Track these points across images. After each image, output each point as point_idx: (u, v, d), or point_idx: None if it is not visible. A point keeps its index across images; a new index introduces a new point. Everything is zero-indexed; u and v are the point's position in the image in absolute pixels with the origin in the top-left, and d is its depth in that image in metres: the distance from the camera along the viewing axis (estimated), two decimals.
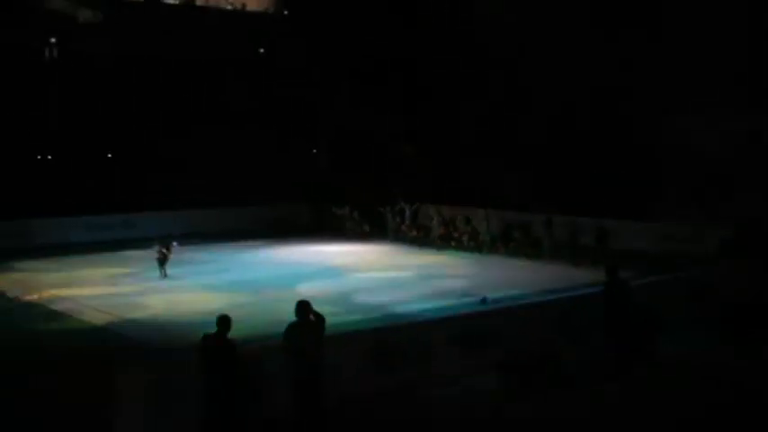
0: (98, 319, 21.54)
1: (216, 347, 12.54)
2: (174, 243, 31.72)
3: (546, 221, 31.25)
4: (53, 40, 40.79)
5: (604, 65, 36.18)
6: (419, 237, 35.54)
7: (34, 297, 24.35)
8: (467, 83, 42.67)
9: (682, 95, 33.69)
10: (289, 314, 13.21)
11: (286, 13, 48.00)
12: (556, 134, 38.41)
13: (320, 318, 13.14)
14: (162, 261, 27.95)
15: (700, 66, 33.24)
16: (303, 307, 13.07)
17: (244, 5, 48.04)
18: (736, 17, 32.46)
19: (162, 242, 28.55)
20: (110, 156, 41.13)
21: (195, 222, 37.95)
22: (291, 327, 13.00)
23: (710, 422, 14.13)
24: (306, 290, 23.86)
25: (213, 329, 12.71)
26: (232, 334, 12.74)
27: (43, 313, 22.43)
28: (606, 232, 30.55)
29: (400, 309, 21.87)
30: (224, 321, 12.69)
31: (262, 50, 46.14)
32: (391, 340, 15.70)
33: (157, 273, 27.85)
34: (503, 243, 32.28)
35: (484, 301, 22.12)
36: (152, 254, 28.23)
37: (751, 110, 31.92)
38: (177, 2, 45.93)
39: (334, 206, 39.64)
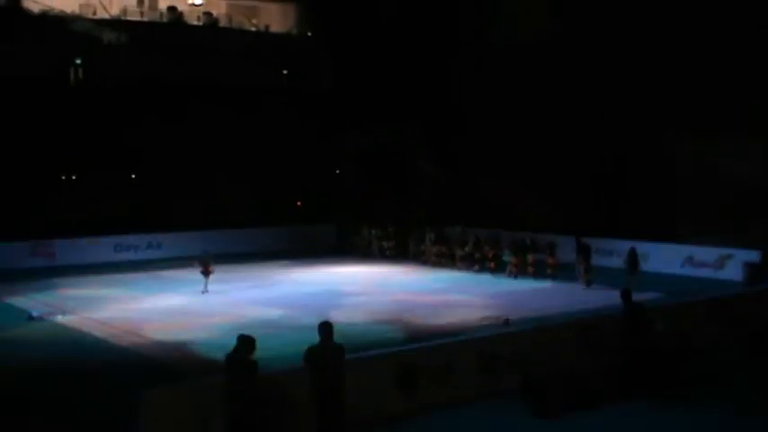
0: (124, 339, 21.64)
1: (238, 368, 12.57)
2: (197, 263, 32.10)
3: (578, 247, 30.79)
4: (78, 61, 41.24)
5: (638, 88, 36.16)
6: (443, 258, 35.40)
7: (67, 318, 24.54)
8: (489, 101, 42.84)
9: (711, 119, 33.67)
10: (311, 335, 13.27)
11: (309, 34, 48.33)
12: (585, 157, 38.39)
13: (340, 347, 13.15)
14: (205, 275, 28.54)
15: (730, 90, 33.21)
16: (325, 328, 13.10)
17: (267, 27, 48.51)
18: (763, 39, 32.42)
19: (202, 258, 29.10)
20: (134, 176, 41.44)
21: (220, 243, 38.04)
22: (313, 347, 13.03)
23: None
24: (334, 311, 23.90)
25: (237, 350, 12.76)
26: (258, 355, 12.80)
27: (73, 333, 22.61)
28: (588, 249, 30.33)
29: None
30: (246, 342, 12.71)
31: (285, 71, 46.43)
32: (410, 362, 15.69)
33: (200, 287, 28.48)
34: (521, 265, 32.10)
35: (506, 322, 22.08)
36: (185, 272, 28.47)
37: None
38: (201, 23, 46.38)
39: (359, 226, 39.79)
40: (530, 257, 31.93)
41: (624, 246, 30.66)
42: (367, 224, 39.42)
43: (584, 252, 29.98)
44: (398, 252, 37.77)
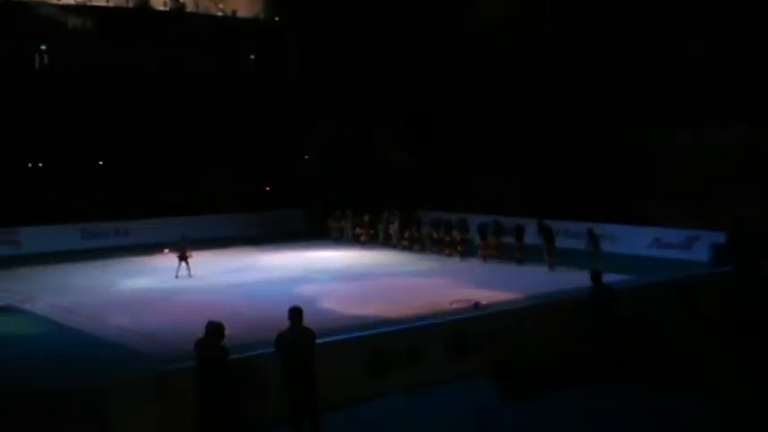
0: (92, 327, 21.49)
1: (208, 354, 12.53)
2: (166, 250, 32.08)
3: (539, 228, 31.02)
4: (43, 47, 40.81)
5: (614, 72, 36.37)
6: (413, 243, 35.42)
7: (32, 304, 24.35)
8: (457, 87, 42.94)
9: (680, 105, 33.97)
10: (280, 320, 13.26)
11: (277, 19, 48.08)
12: (553, 140, 38.60)
13: (310, 332, 13.14)
14: (183, 260, 28.68)
15: (697, 76, 33.50)
16: (295, 313, 13.08)
17: (234, 12, 48.17)
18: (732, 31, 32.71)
19: (179, 243, 29.36)
20: (101, 163, 41.10)
21: (188, 229, 37.67)
22: (284, 332, 13.01)
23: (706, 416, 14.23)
24: (296, 296, 23.86)
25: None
26: (227, 341, 12.77)
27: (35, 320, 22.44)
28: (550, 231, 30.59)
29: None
30: (216, 328, 12.68)
31: (252, 56, 46.20)
32: (383, 346, 15.72)
33: (171, 274, 28.66)
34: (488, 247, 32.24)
35: (476, 305, 22.15)
36: (153, 259, 28.33)
37: (745, 120, 32.16)
38: (167, 8, 45.99)
39: (327, 212, 39.76)
40: (493, 240, 32.06)
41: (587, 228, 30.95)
42: (341, 210, 39.31)
43: (546, 234, 30.21)
44: (374, 240, 37.62)
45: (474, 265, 31.21)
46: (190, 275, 28.62)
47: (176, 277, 28.43)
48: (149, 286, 27.31)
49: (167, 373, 13.70)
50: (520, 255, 31.15)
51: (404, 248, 35.40)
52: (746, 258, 21.74)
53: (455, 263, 31.89)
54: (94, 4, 43.80)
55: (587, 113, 37.34)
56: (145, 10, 45.11)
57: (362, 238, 37.54)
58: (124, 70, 41.11)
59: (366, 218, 38.00)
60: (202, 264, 31.74)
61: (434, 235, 34.38)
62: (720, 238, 29.44)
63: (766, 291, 21.10)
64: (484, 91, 41.83)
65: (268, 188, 44.45)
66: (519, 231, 31.64)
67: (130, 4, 45.22)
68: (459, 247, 33.03)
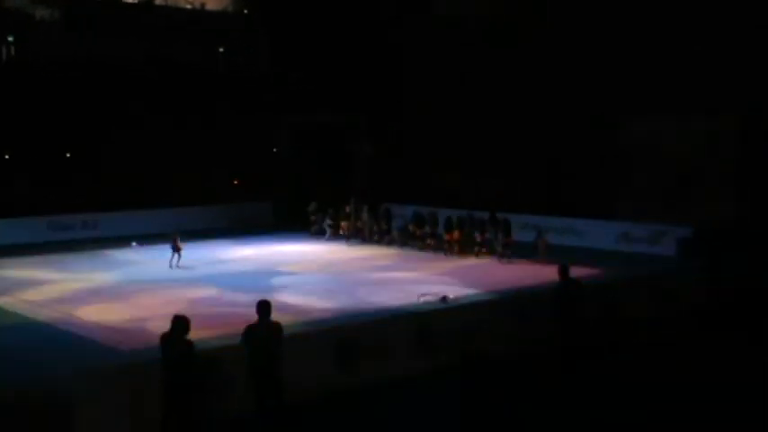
0: (60, 321, 21.35)
1: (173, 348, 12.48)
2: (134, 243, 31.96)
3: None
4: (10, 38, 40.41)
5: (573, 65, 36.58)
6: (383, 236, 35.42)
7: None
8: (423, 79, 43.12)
9: (646, 97, 34.22)
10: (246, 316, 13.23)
11: (246, 11, 47.91)
12: (522, 133, 38.79)
13: (278, 325, 13.14)
14: (177, 251, 28.95)
15: (664, 67, 33.75)
16: (264, 306, 13.07)
17: (203, 5, 47.96)
18: (702, 21, 32.97)
19: (172, 234, 29.46)
20: (68, 155, 40.78)
21: (157, 222, 37.64)
22: (251, 326, 13.00)
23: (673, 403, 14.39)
24: (269, 291, 23.83)
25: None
26: (193, 334, 12.72)
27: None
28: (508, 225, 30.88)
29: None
30: (181, 322, 12.64)
31: (221, 49, 46.02)
32: (350, 338, 15.74)
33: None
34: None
35: (444, 299, 22.23)
36: (122, 252, 28.12)
37: (711, 111, 32.43)
38: (135, 0, 45.70)
39: (297, 204, 39.71)
40: (457, 234, 32.10)
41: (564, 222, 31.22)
42: (316, 203, 39.16)
43: (500, 227, 30.47)
44: (354, 233, 37.26)
45: (443, 258, 31.23)
46: (178, 266, 28.82)
47: (170, 267, 28.64)
48: (117, 279, 27.11)
49: (134, 365, 13.67)
50: (482, 248, 31.28)
51: (375, 242, 35.37)
52: (710, 254, 22.05)
53: (424, 256, 31.90)
54: None
55: (555, 107, 37.54)
56: (113, 2, 44.78)
57: (343, 232, 37.07)
58: (92, 62, 40.71)
59: (350, 209, 37.51)
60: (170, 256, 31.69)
61: (410, 228, 34.29)
62: (688, 232, 29.74)
63: (728, 285, 21.46)
64: (453, 85, 41.99)
65: (236, 181, 44.29)
66: (482, 225, 31.70)
67: None
68: (429, 241, 33.05)
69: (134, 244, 33.87)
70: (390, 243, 34.80)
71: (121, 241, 34.33)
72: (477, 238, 31.47)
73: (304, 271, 28.59)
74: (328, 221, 37.42)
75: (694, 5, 33.05)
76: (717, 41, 32.45)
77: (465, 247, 31.76)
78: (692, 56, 32.92)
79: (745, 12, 31.92)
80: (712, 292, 21.56)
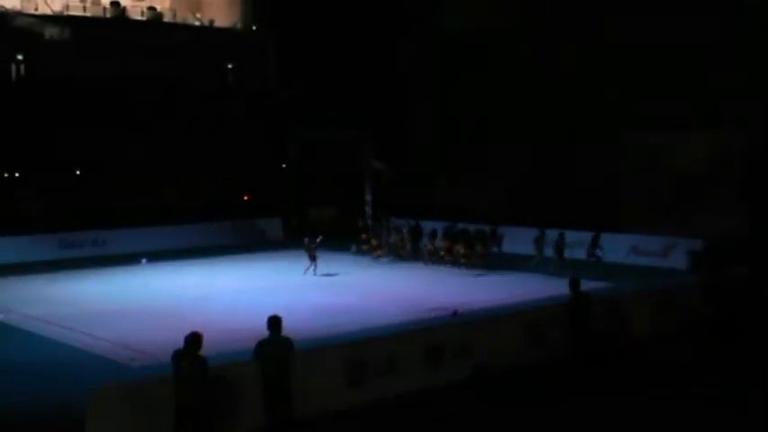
0: (71, 338, 21.38)
1: (186, 365, 12.51)
2: (144, 260, 32.02)
3: (538, 236, 31.10)
4: (20, 57, 40.61)
5: (584, 79, 36.68)
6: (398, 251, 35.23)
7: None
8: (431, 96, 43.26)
9: (649, 111, 34.29)
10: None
11: (254, 28, 48.09)
12: (530, 147, 38.86)
13: (288, 340, 13.19)
14: (313, 258, 30.01)
15: (669, 83, 33.85)
16: (274, 322, 13.11)
17: (212, 21, 48.15)
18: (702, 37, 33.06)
19: (308, 243, 30.47)
20: (78, 173, 40.92)
21: (166, 239, 37.75)
22: (262, 341, 13.04)
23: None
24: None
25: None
26: (204, 351, 12.76)
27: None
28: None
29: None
30: (195, 339, 12.68)
31: (230, 66, 46.17)
32: (362, 354, 15.72)
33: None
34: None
35: (455, 313, 22.19)
36: (131, 269, 28.11)
37: (718, 126, 32.47)
38: (144, 18, 45.90)
39: (304, 220, 39.77)
40: (459, 248, 31.82)
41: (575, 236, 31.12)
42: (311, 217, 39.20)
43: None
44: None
45: (455, 272, 31.13)
46: (314, 274, 30.08)
47: (306, 274, 30.04)
48: (127, 296, 27.15)
49: (144, 383, 13.68)
50: (480, 260, 31.25)
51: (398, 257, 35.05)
52: (717, 266, 21.97)
53: (434, 270, 31.81)
54: (71, 14, 43.65)
55: (559, 121, 37.61)
56: (122, 20, 45.00)
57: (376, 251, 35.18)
58: (102, 80, 40.90)
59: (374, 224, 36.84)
60: (180, 273, 31.72)
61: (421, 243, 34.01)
62: (698, 245, 29.63)
63: (735, 297, 21.35)
64: (456, 98, 42.15)
65: (246, 197, 44.37)
66: (484, 237, 31.72)
67: (108, 14, 45.09)
68: (446, 255, 32.57)
69: (144, 261, 33.90)
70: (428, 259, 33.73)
71: (131, 258, 34.36)
72: (480, 249, 31.52)
73: (314, 286, 28.53)
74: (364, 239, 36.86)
75: (697, 21, 33.13)
76: (719, 55, 32.58)
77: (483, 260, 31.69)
78: (696, 71, 33.04)
79: (747, 26, 32.05)
80: (718, 305, 21.45)
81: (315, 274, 30.06)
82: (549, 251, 30.42)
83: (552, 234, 30.61)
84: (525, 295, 25.03)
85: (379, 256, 34.46)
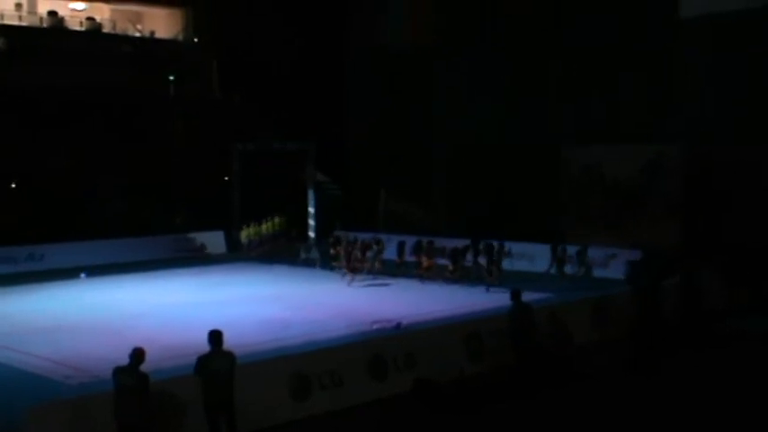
0: (4, 356, 20.92)
1: (128, 380, 12.33)
2: (83, 275, 31.50)
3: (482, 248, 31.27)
4: None
5: (526, 92, 37.08)
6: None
7: None
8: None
9: (589, 125, 34.82)
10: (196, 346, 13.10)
11: (196, 40, 47.81)
12: (469, 160, 39.13)
13: (231, 355, 13.07)
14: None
15: (607, 97, 34.42)
16: (216, 336, 12.97)
17: (153, 32, 47.78)
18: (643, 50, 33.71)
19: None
20: (14, 186, 40.19)
21: (105, 253, 37.19)
22: (204, 356, 12.89)
23: None
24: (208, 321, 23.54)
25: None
26: (144, 366, 12.60)
27: None
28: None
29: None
30: (138, 354, 12.52)
31: (171, 78, 45.80)
32: (306, 368, 15.64)
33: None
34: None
35: (398, 326, 22.17)
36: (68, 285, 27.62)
37: (654, 138, 33.04)
38: (83, 28, 45.38)
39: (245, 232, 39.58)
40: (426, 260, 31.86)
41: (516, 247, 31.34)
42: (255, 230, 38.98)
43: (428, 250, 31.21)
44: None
45: (400, 284, 31.12)
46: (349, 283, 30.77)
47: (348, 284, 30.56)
48: (64, 312, 26.64)
49: (85, 399, 13.45)
50: (425, 273, 31.27)
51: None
52: (651, 275, 22.25)
53: (379, 283, 31.78)
54: (7, 23, 42.98)
55: (500, 134, 37.96)
56: (60, 30, 44.43)
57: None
58: (38, 90, 40.26)
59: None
60: (120, 288, 31.26)
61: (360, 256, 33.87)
62: (637, 256, 29.95)
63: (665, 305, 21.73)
64: (398, 111, 42.35)
65: (187, 210, 43.93)
66: (429, 250, 31.77)
67: (45, 24, 44.48)
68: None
69: (83, 275, 33.35)
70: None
71: (69, 273, 33.77)
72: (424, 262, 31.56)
73: (256, 299, 28.33)
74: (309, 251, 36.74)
75: (636, 36, 33.76)
76: (657, 70, 33.25)
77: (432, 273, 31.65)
78: (634, 85, 33.68)
79: (684, 42, 32.76)
80: (658, 315, 21.77)
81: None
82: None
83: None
84: (470, 306, 25.12)
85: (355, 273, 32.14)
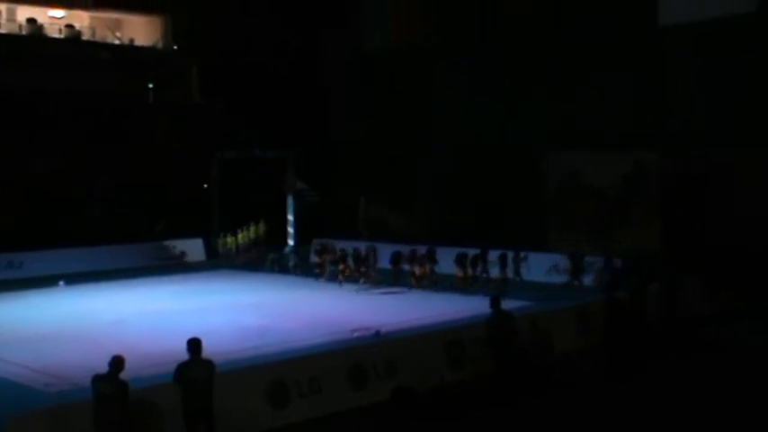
0: None
1: (107, 388, 12.33)
2: (62, 282, 31.38)
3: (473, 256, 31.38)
4: None
5: (507, 99, 37.24)
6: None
7: None
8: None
9: (569, 131, 34.98)
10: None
11: (175, 47, 47.72)
12: (454, 167, 39.23)
13: (210, 363, 13.08)
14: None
15: (587, 103, 34.59)
16: (195, 344, 12.98)
17: (132, 40, 47.66)
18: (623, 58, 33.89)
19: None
20: None
21: (86, 260, 37.04)
22: (183, 364, 12.91)
23: None
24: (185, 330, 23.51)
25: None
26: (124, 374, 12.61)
27: None
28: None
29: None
30: (118, 362, 12.52)
31: (151, 85, 45.71)
32: (285, 376, 15.66)
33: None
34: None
35: (377, 334, 22.20)
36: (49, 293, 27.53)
37: (635, 146, 33.20)
38: (62, 36, 45.22)
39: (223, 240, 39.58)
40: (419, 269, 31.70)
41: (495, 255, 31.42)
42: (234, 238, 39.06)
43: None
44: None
45: (376, 292, 31.16)
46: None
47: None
48: (43, 320, 26.53)
49: (65, 408, 13.41)
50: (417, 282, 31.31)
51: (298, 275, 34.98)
52: (634, 282, 22.44)
53: (358, 291, 31.78)
54: None
55: (481, 141, 38.06)
56: (39, 37, 44.25)
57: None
58: (16, 96, 40.03)
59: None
60: (99, 295, 31.16)
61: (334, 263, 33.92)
62: (617, 263, 30.12)
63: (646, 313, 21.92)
64: (378, 118, 42.41)
65: (166, 218, 43.83)
66: (421, 258, 31.82)
67: (24, 31, 44.30)
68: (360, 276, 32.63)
69: (61, 283, 33.21)
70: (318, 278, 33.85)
71: (49, 281, 33.61)
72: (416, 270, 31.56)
73: (235, 307, 28.28)
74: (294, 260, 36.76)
75: (613, 47, 33.97)
76: (634, 77, 33.44)
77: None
78: (613, 92, 33.86)
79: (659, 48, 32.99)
80: (639, 321, 21.93)
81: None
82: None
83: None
84: (450, 314, 25.16)
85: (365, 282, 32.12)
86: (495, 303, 17.61)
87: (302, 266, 35.96)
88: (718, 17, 30.85)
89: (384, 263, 33.08)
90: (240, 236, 39.84)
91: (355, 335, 22.39)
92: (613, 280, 28.79)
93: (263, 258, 38.01)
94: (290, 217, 42.67)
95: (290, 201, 42.74)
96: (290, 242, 41.63)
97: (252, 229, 40.32)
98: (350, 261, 32.84)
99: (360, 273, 32.45)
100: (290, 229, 42.50)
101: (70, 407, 13.35)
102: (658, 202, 32.62)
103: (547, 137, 35.94)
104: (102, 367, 12.62)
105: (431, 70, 40.84)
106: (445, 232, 36.21)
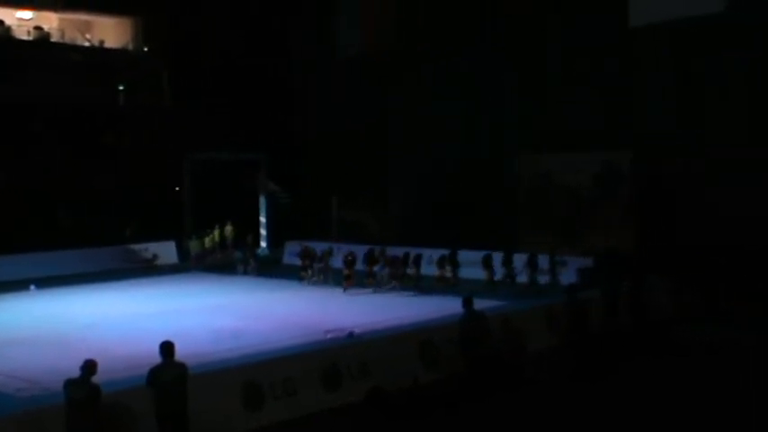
0: None
1: (79, 392, 12.27)
2: (32, 286, 31.13)
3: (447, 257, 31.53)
4: None
5: (479, 102, 37.40)
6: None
7: None
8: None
9: (539, 132, 35.21)
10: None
11: (146, 49, 47.52)
12: (427, 168, 39.35)
13: (182, 366, 13.06)
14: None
15: (557, 104, 34.84)
16: (168, 348, 12.95)
17: (102, 42, 47.39)
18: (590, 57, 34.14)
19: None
20: None
21: (57, 264, 36.75)
22: (156, 367, 12.87)
23: None
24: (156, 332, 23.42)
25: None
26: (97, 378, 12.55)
27: None
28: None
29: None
30: (90, 366, 12.46)
31: (121, 87, 45.51)
32: (258, 378, 15.65)
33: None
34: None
35: (351, 335, 22.19)
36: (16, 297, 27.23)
37: (606, 146, 33.44)
38: (31, 38, 44.88)
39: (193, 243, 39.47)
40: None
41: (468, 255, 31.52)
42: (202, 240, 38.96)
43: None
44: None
45: (348, 293, 31.15)
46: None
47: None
48: (13, 324, 26.30)
49: (37, 413, 13.33)
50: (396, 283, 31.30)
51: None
52: (605, 282, 22.60)
53: (329, 292, 31.76)
54: None
55: (453, 142, 38.22)
56: (7, 38, 43.89)
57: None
58: None
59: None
60: (70, 299, 30.95)
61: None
62: (588, 263, 30.36)
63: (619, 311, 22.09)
64: (351, 119, 42.49)
65: (138, 221, 43.62)
66: (394, 261, 31.85)
67: None
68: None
69: (32, 287, 32.96)
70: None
71: (19, 285, 33.33)
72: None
73: (208, 310, 28.20)
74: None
75: (584, 49, 34.21)
76: (604, 77, 33.68)
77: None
78: (583, 92, 34.09)
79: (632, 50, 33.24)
80: (609, 321, 22.11)
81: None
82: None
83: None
84: (423, 315, 25.17)
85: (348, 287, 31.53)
86: (467, 303, 17.70)
87: (256, 266, 36.06)
88: (689, 17, 31.11)
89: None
90: (207, 238, 39.73)
91: (329, 336, 22.37)
92: (583, 279, 29.14)
93: (231, 260, 37.95)
94: (263, 218, 42.61)
95: (262, 202, 42.66)
96: (263, 244, 41.60)
97: (216, 232, 40.23)
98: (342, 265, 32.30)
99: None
100: (263, 231, 42.46)
101: (42, 412, 13.26)
102: (631, 202, 32.83)
103: (518, 137, 36.15)
104: (75, 371, 12.56)
105: (402, 73, 40.94)
106: (417, 234, 36.25)
